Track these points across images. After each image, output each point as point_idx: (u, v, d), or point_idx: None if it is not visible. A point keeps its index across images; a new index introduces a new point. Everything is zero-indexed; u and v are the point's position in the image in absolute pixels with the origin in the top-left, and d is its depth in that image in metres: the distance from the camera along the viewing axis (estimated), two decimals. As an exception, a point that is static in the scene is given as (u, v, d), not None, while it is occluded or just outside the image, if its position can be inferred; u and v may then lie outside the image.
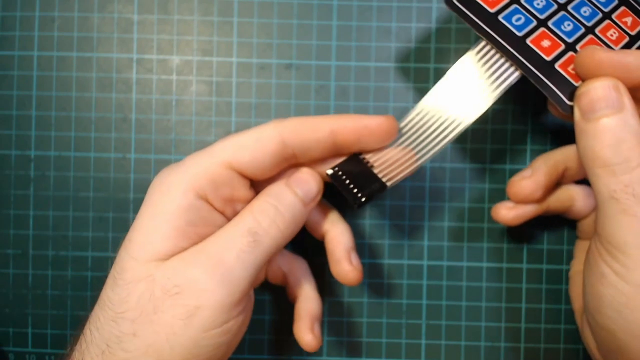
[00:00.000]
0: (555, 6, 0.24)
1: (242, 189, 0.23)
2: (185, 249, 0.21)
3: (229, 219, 0.22)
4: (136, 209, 0.29)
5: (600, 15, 0.24)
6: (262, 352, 0.29)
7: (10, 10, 0.29)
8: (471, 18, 0.24)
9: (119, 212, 0.29)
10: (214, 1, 0.29)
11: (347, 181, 0.23)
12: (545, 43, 0.23)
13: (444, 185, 0.29)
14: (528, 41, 0.23)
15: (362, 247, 0.29)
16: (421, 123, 0.24)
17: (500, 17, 0.24)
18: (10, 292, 0.30)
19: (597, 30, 0.24)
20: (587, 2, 0.24)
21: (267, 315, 0.29)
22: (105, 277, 0.21)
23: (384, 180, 0.23)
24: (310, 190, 0.23)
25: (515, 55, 0.23)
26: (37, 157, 0.29)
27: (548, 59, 0.23)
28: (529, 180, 0.25)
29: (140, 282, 0.20)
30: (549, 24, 0.24)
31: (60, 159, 0.29)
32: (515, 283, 0.29)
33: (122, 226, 0.29)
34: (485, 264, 0.29)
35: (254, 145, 0.22)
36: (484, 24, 0.24)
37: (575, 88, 0.22)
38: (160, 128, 0.29)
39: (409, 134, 0.24)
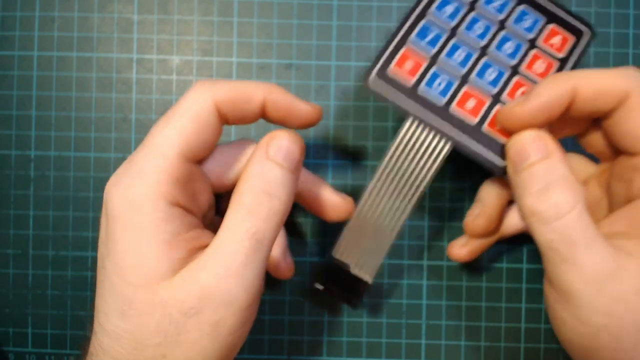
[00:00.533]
0: (477, 53, 0.23)
1: (199, 179, 0.22)
2: (180, 259, 0.20)
3: (197, 216, 0.22)
4: (136, 209, 0.29)
5: (526, 46, 0.23)
6: (262, 352, 0.29)
7: (10, 10, 0.29)
8: (390, 100, 0.23)
9: (119, 212, 0.29)
10: (214, 1, 0.29)
11: (336, 290, 0.25)
12: (470, 104, 0.23)
13: (444, 185, 0.29)
14: (452, 107, 0.23)
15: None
16: (374, 208, 0.24)
17: (420, 88, 0.23)
18: (10, 292, 0.30)
19: (522, 68, 0.23)
20: (510, 35, 0.23)
21: (267, 315, 0.29)
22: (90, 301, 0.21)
23: (365, 278, 0.25)
24: (295, 156, 0.21)
25: (441, 129, 0.23)
26: (37, 157, 0.29)
27: (474, 122, 0.23)
28: (481, 219, 0.25)
29: (154, 309, 0.19)
30: (472, 77, 0.23)
31: (60, 159, 0.29)
32: (515, 283, 0.29)
33: (122, 226, 0.29)
34: (485, 264, 0.29)
35: (197, 125, 0.21)
36: (405, 100, 0.23)
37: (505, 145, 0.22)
38: (160, 128, 0.29)
39: (367, 221, 0.24)
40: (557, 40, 0.23)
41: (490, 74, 0.23)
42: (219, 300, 0.19)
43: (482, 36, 0.23)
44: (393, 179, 0.23)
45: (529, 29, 0.23)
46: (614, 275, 0.19)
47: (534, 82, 0.23)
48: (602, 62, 0.29)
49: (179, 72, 0.29)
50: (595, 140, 0.24)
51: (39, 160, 0.29)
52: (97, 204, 0.29)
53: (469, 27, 0.23)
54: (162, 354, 0.19)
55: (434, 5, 0.23)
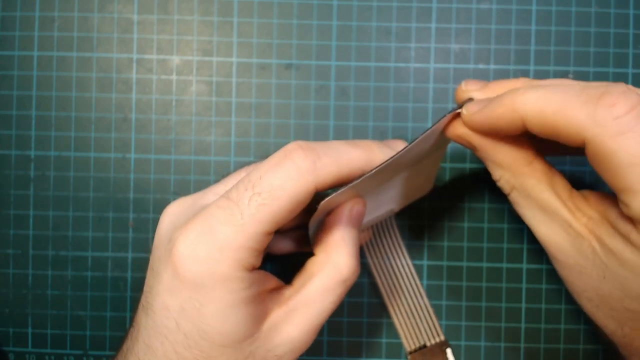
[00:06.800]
0: None
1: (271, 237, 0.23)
2: (260, 315, 0.21)
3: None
4: (136, 209, 0.29)
5: None
6: (262, 352, 0.29)
7: (10, 10, 0.29)
8: None
9: (119, 212, 0.29)
10: (214, 1, 0.29)
11: None
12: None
13: (445, 186, 0.29)
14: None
15: (363, 247, 0.29)
16: (395, 293, 0.29)
17: None
18: (10, 292, 0.30)
19: None
20: None
21: (267, 315, 0.29)
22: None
23: (441, 340, 0.29)
24: (363, 218, 0.23)
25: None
26: (37, 157, 0.29)
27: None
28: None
29: None
30: None
31: (60, 159, 0.29)
32: (515, 283, 0.29)
33: (122, 226, 0.29)
34: (485, 264, 0.29)
35: (292, 210, 0.20)
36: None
37: None
38: (160, 128, 0.29)
39: (399, 305, 0.29)
40: None
41: None
42: (298, 350, 0.21)
43: None
44: (388, 273, 0.28)
45: None
46: None
47: None
48: (602, 62, 0.29)
49: (179, 72, 0.29)
50: None
51: (39, 160, 0.29)
52: (97, 203, 0.29)
53: None
54: None
55: None
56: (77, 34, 0.29)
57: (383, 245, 0.28)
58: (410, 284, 0.28)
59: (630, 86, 0.17)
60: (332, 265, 0.22)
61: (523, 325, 0.29)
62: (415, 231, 0.29)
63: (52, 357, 0.29)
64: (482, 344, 0.29)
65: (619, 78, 0.29)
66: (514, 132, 0.20)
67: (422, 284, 0.29)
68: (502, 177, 0.21)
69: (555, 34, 0.29)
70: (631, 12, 0.29)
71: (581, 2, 0.29)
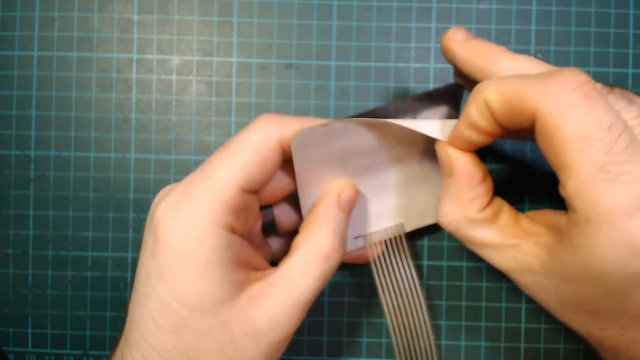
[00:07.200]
0: None
1: (253, 207, 0.23)
2: (239, 282, 0.21)
3: (245, 237, 0.22)
4: (136, 209, 0.29)
5: None
6: (262, 352, 0.29)
7: (10, 10, 0.29)
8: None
9: (119, 212, 0.29)
10: (214, 1, 0.29)
11: None
12: None
13: (444, 185, 0.29)
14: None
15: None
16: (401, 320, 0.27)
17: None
18: (10, 292, 0.30)
19: None
20: None
21: (267, 315, 0.29)
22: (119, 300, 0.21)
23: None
24: (353, 204, 0.24)
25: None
26: (37, 157, 0.29)
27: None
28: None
29: (213, 328, 0.20)
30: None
31: (60, 159, 0.29)
32: (515, 283, 0.29)
33: (122, 226, 0.29)
34: (485, 264, 0.29)
35: (260, 162, 0.21)
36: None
37: None
38: (160, 128, 0.29)
39: (403, 331, 0.27)
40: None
41: None
42: (282, 328, 0.21)
43: None
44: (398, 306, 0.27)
45: None
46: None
47: None
48: (602, 62, 0.29)
49: (179, 72, 0.29)
50: None
51: (39, 160, 0.29)
52: (97, 203, 0.29)
53: None
54: None
55: None
56: (77, 34, 0.29)
57: (393, 268, 0.28)
58: (418, 316, 0.28)
59: (582, 71, 0.18)
60: (313, 241, 0.22)
61: (523, 325, 0.29)
62: (415, 231, 0.29)
63: (52, 357, 0.29)
64: (482, 344, 0.29)
65: (619, 78, 0.29)
66: (485, 124, 0.20)
67: (429, 317, 0.28)
68: (451, 214, 0.21)
69: (555, 34, 0.29)
70: (631, 12, 0.29)
71: (581, 2, 0.29)
